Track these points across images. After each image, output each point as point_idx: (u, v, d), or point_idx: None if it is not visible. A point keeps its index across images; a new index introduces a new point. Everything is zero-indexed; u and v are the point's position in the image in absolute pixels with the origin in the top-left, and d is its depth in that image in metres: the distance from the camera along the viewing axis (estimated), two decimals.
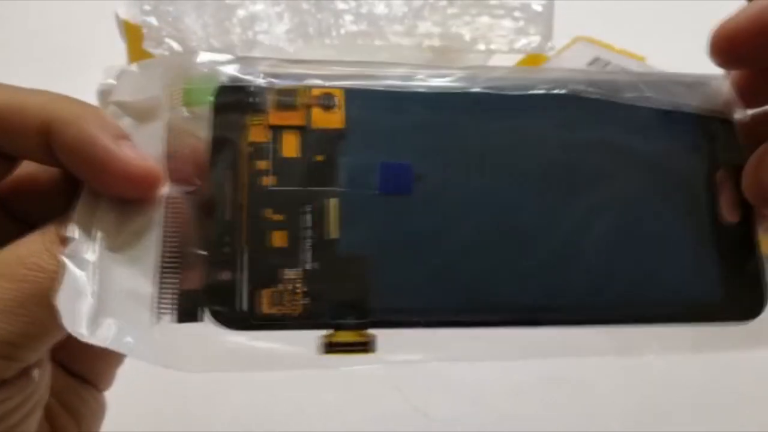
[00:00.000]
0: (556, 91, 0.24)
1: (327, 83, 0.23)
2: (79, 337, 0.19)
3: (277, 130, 0.23)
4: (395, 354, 0.22)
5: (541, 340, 0.22)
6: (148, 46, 0.49)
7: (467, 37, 0.56)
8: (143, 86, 0.23)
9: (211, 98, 0.23)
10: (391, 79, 0.24)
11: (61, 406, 0.24)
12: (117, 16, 0.55)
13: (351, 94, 0.23)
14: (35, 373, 0.21)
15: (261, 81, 0.23)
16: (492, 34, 0.57)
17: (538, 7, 0.58)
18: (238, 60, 0.23)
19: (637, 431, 0.40)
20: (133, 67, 0.23)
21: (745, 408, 0.41)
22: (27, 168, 0.23)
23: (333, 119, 0.23)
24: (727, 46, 0.23)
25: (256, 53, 0.51)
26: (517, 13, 0.57)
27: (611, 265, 0.23)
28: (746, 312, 0.23)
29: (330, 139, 0.23)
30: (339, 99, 0.23)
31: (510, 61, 0.59)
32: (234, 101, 0.23)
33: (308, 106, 0.23)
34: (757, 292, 0.23)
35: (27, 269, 0.20)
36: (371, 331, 0.21)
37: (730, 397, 0.42)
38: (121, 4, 0.54)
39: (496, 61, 0.58)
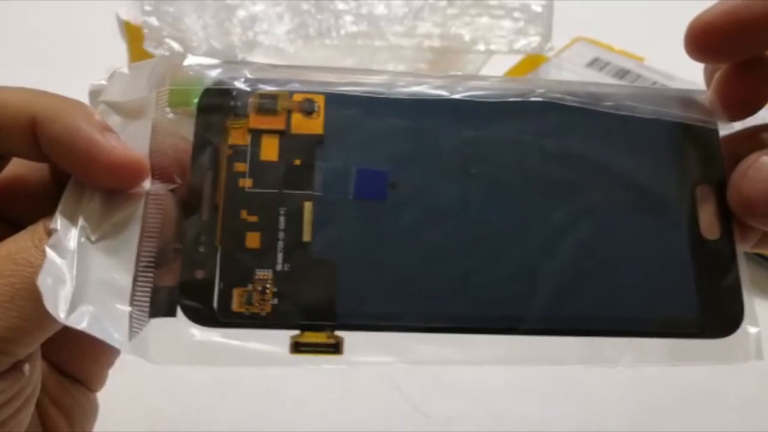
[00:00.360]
0: (533, 99, 0.24)
1: (308, 89, 0.24)
2: (57, 318, 0.20)
3: (256, 133, 0.23)
4: (363, 356, 0.22)
5: (511, 346, 0.22)
6: (148, 46, 0.50)
7: (467, 37, 0.57)
8: (132, 87, 0.23)
9: (196, 100, 0.23)
10: (372, 86, 0.24)
11: (54, 405, 0.24)
12: (118, 17, 0.55)
13: (332, 100, 0.24)
14: (26, 367, 0.21)
15: (244, 85, 0.24)
16: (491, 34, 0.57)
17: (537, 8, 0.58)
18: (224, 64, 0.24)
19: (637, 431, 0.41)
20: (124, 68, 0.24)
21: (745, 408, 0.41)
22: (16, 170, 0.24)
23: (312, 125, 0.24)
24: (702, 40, 0.23)
25: (256, 54, 0.51)
26: (516, 14, 0.58)
27: (584, 275, 0.23)
28: (723, 328, 0.23)
29: (309, 144, 0.23)
30: (319, 105, 0.24)
31: (510, 61, 0.59)
32: (217, 104, 0.23)
33: (289, 111, 0.23)
34: (735, 308, 0.23)
35: (16, 265, 0.20)
36: (340, 334, 0.22)
37: (730, 397, 0.42)
38: (122, 4, 0.54)
39: (495, 61, 0.58)
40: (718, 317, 0.23)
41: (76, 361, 0.25)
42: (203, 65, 0.24)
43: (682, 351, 0.23)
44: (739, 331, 0.22)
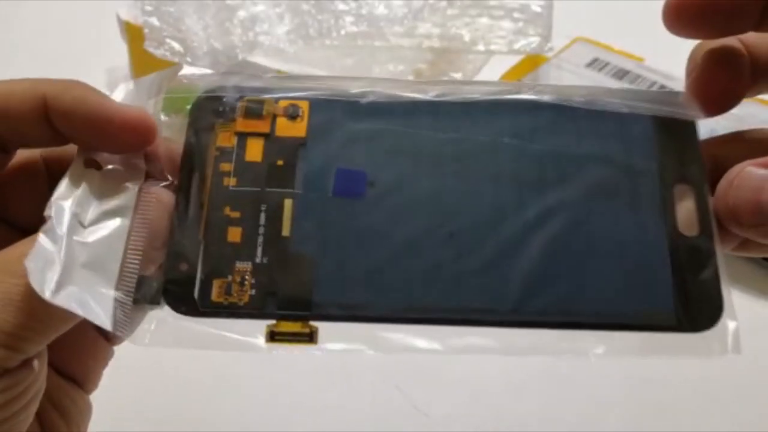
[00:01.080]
0: (508, 98, 0.25)
1: (294, 95, 0.26)
2: (42, 296, 0.20)
3: (242, 136, 0.25)
4: (337, 344, 0.23)
5: (484, 337, 0.23)
6: (149, 46, 0.50)
7: (467, 37, 0.57)
8: (134, 97, 0.25)
9: (188, 107, 0.25)
10: (355, 92, 0.26)
11: (52, 406, 0.25)
12: (118, 17, 0.55)
13: (315, 105, 0.26)
14: (36, 364, 0.22)
15: (233, 92, 0.26)
16: (491, 34, 0.57)
17: (537, 8, 0.58)
18: (216, 74, 0.26)
19: (637, 430, 0.41)
20: (130, 84, 0.26)
21: (744, 405, 0.41)
22: (16, 171, 0.25)
23: (296, 128, 0.25)
24: (676, 14, 0.24)
25: (257, 54, 0.51)
26: (516, 14, 0.58)
27: (560, 269, 0.23)
28: (702, 322, 0.23)
29: (291, 146, 0.25)
30: (304, 110, 0.25)
31: (509, 61, 0.59)
32: (208, 109, 0.25)
33: (274, 116, 0.25)
34: (714, 303, 0.23)
35: None
36: (314, 324, 0.23)
37: (730, 396, 0.42)
38: (123, 5, 0.54)
39: (495, 61, 0.59)
40: (697, 312, 0.23)
41: (74, 360, 0.26)
42: (197, 75, 0.26)
43: (654, 345, 0.23)
44: (718, 326, 0.23)
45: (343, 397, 0.41)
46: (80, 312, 0.21)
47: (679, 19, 0.24)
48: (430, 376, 0.42)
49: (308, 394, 0.41)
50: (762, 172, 0.23)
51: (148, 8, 0.50)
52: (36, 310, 0.21)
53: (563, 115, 0.25)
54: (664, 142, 0.25)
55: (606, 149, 0.25)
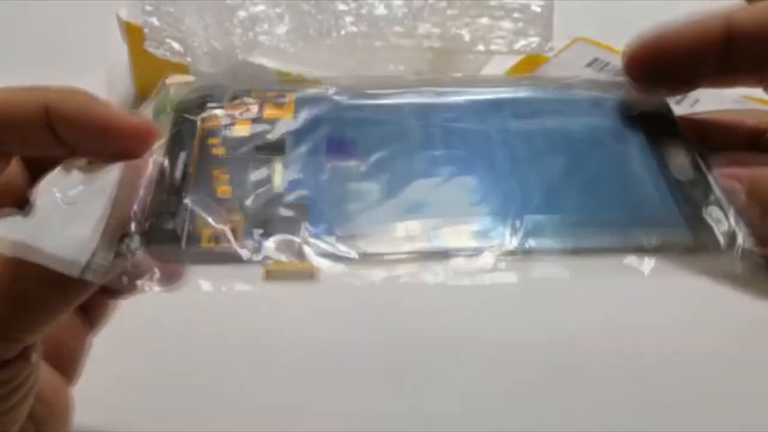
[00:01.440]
0: (488, 86, 0.28)
1: (279, 88, 0.27)
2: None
3: (230, 117, 0.26)
4: (337, 279, 0.23)
5: (493, 263, 0.23)
6: (149, 46, 0.50)
7: (467, 38, 0.57)
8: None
9: (173, 110, 0.26)
10: (342, 87, 0.27)
11: (37, 398, 0.25)
12: (118, 17, 0.55)
13: (302, 97, 0.27)
14: (34, 357, 0.22)
15: (220, 89, 0.27)
16: (491, 35, 0.57)
17: (537, 8, 0.58)
18: (199, 80, 0.28)
19: (638, 430, 0.41)
20: (143, 105, 0.27)
21: (745, 406, 0.41)
22: (7, 179, 0.25)
23: (284, 112, 0.27)
24: (634, 67, 0.26)
25: (257, 54, 0.51)
26: (516, 14, 0.58)
27: (568, 202, 0.25)
28: (719, 243, 0.24)
29: (280, 124, 0.26)
30: (290, 99, 0.27)
31: (509, 62, 0.59)
32: (195, 100, 0.26)
33: (261, 103, 0.27)
34: (726, 227, 0.24)
35: None
36: (312, 263, 0.23)
37: (730, 396, 0.42)
38: (123, 5, 0.54)
39: (495, 61, 0.59)
40: (713, 233, 0.24)
41: (56, 350, 0.26)
42: (183, 83, 0.27)
43: (662, 266, 0.24)
44: (737, 245, 0.24)
45: (343, 397, 0.41)
46: (44, 261, 0.21)
47: (638, 73, 0.26)
48: (430, 377, 0.42)
49: (308, 394, 0.41)
50: (726, 183, 0.24)
51: (148, 8, 0.50)
52: (22, 295, 0.21)
53: (542, 98, 0.28)
54: (638, 105, 0.27)
55: (590, 120, 0.27)
